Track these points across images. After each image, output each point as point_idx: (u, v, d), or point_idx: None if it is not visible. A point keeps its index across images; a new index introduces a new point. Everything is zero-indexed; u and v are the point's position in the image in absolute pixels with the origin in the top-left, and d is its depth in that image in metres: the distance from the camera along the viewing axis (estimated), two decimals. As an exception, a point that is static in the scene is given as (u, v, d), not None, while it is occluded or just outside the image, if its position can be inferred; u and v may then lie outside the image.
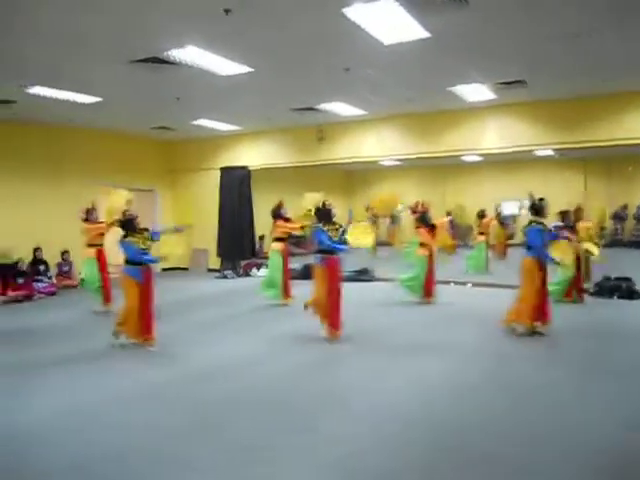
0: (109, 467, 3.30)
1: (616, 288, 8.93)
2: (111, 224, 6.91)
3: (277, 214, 8.70)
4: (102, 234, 8.17)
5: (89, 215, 8.37)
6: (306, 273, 10.57)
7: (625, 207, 18.49)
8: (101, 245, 8.32)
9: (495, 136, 10.31)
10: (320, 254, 6.39)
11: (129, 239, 6.15)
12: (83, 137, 11.77)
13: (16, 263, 9.84)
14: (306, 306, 6.56)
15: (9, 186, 10.48)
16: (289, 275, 8.87)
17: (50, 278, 10.33)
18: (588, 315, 7.68)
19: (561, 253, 6.67)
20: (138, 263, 6.11)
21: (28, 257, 10.13)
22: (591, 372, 5.07)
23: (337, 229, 6.47)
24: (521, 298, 6.44)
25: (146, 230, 6.42)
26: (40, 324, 7.63)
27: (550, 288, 7.16)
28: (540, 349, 5.96)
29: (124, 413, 4.21)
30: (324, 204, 6.55)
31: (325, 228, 6.37)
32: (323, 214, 6.52)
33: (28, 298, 9.58)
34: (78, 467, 3.29)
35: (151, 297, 6.19)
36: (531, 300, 6.31)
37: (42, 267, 10.26)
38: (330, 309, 6.28)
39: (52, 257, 10.42)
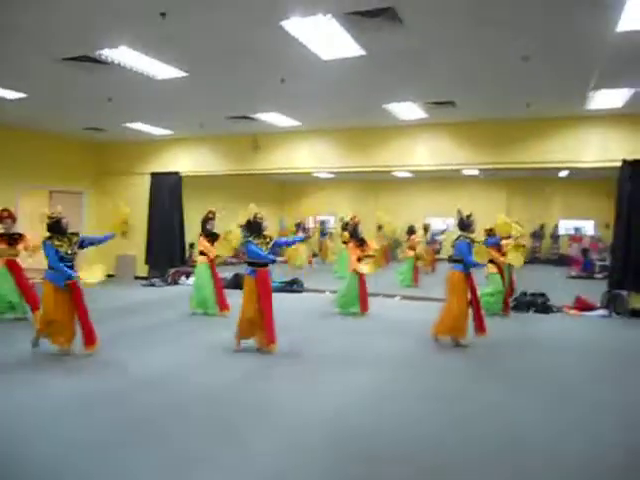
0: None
1: (532, 303, 9.43)
2: None
3: (203, 227, 8.66)
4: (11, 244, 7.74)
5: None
6: (237, 282, 10.49)
7: (542, 226, 19.68)
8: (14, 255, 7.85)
9: (425, 153, 10.67)
10: (250, 266, 6.35)
11: (52, 241, 5.89)
12: (7, 135, 11.17)
13: None
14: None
15: None
16: (221, 286, 8.75)
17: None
18: (507, 328, 8.05)
19: (480, 258, 7.05)
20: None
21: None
22: (504, 379, 5.34)
23: (267, 242, 6.46)
24: (447, 310, 6.71)
25: (75, 235, 6.15)
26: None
27: (483, 299, 7.58)
28: (462, 360, 6.19)
29: (50, 425, 4.03)
30: (255, 216, 6.51)
31: (256, 241, 6.34)
32: (254, 226, 6.48)
33: None
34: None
35: (77, 303, 5.94)
36: (457, 312, 6.59)
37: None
38: (265, 321, 6.22)
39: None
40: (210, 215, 8.68)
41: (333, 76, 7.24)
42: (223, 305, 8.54)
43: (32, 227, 6.13)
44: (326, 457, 3.56)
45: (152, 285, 12.11)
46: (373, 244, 8.99)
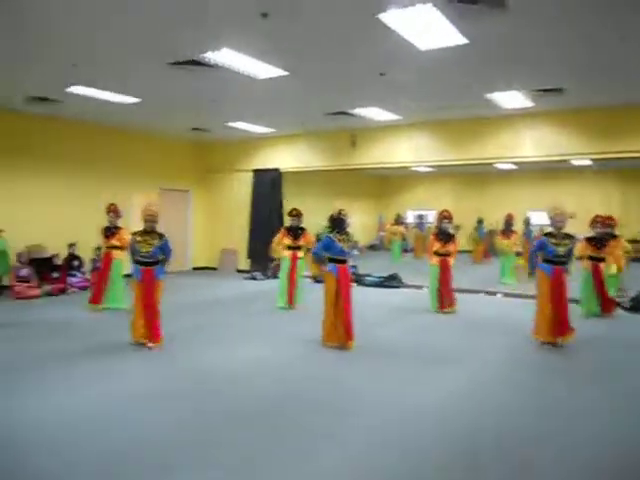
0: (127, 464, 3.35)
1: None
2: None
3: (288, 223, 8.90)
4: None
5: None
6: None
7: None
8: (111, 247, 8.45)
9: (530, 144, 10.13)
10: (331, 262, 6.32)
11: (135, 238, 6.24)
12: (120, 137, 12.04)
13: (51, 258, 10.14)
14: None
15: (47, 183, 10.79)
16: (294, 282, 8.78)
17: (84, 273, 10.56)
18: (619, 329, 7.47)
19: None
20: (139, 263, 6.23)
21: (63, 252, 10.40)
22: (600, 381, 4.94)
23: (349, 240, 6.41)
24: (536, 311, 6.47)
25: (160, 237, 6.34)
26: (68, 317, 7.80)
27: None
28: (562, 360, 5.82)
29: (133, 413, 4.20)
30: (340, 212, 6.43)
31: (337, 237, 6.31)
32: (337, 222, 6.42)
33: (62, 292, 9.84)
34: (94, 464, 3.34)
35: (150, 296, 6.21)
36: (545, 313, 6.31)
37: (76, 262, 10.50)
38: (345, 318, 6.18)
39: (87, 253, 10.65)
40: (294, 212, 8.84)
41: (433, 67, 7.06)
42: (290, 300, 8.67)
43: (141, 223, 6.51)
44: (424, 454, 3.48)
45: (253, 278, 12.50)
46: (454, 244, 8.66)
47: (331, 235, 6.33)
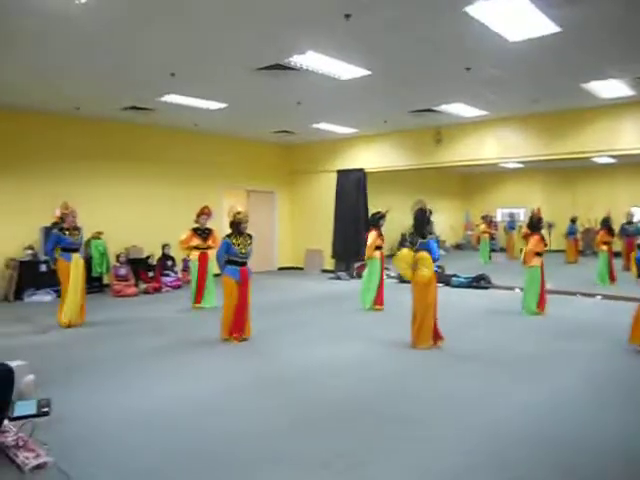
0: (220, 452, 3.46)
1: None
2: None
3: (375, 223, 8.67)
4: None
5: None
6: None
7: None
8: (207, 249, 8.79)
9: (632, 135, 9.45)
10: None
11: (230, 239, 6.50)
12: (209, 141, 12.53)
13: (147, 258, 10.72)
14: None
15: (142, 187, 11.45)
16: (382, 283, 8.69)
17: (176, 273, 11.07)
18: None
19: None
20: (236, 263, 6.48)
21: (158, 253, 10.96)
22: None
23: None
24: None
25: (249, 237, 6.63)
26: (152, 316, 8.20)
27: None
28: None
29: (233, 403, 4.37)
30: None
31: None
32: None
33: (157, 290, 10.37)
34: (194, 451, 3.48)
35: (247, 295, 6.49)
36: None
37: (169, 262, 11.02)
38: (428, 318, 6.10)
39: (179, 254, 11.14)
40: (381, 213, 8.71)
41: (522, 58, 6.76)
42: (378, 301, 8.54)
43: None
44: (514, 460, 3.33)
45: (338, 278, 12.57)
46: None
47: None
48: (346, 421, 4.02)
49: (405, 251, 6.24)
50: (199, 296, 8.71)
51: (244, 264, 6.52)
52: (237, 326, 6.42)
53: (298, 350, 6.13)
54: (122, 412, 4.18)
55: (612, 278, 11.25)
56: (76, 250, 7.40)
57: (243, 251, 6.47)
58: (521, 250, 8.76)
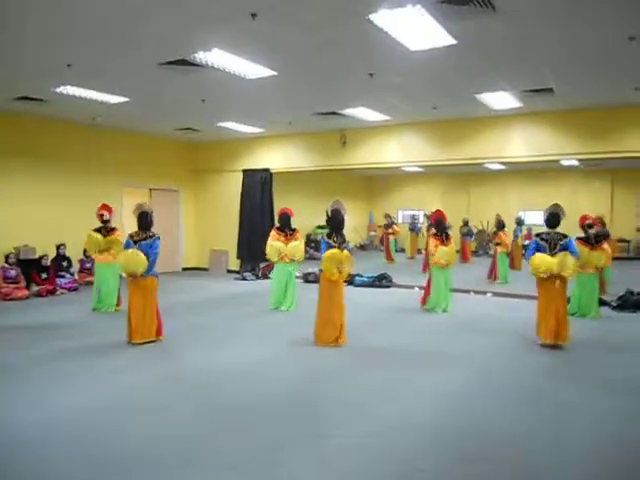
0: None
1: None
2: None
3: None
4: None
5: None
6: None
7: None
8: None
9: (520, 144, 10.20)
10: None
11: (132, 237, 6.46)
12: (109, 137, 11.94)
13: (41, 258, 10.05)
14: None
15: (36, 183, 10.69)
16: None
17: (72, 274, 10.49)
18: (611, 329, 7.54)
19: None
20: None
21: (52, 253, 10.31)
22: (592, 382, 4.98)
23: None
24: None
25: (151, 236, 6.52)
26: (52, 320, 7.75)
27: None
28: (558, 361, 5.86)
29: (137, 407, 4.24)
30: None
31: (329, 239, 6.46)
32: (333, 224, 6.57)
33: (51, 293, 9.76)
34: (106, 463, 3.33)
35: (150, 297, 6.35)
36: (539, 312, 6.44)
37: (65, 263, 10.43)
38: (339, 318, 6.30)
39: (75, 254, 10.57)
40: (285, 213, 8.90)
41: (422, 67, 7.08)
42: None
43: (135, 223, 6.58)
44: (422, 456, 3.49)
45: (244, 279, 12.48)
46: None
47: (325, 237, 6.47)
48: (255, 422, 4.03)
49: (335, 251, 6.36)
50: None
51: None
52: (143, 327, 6.26)
53: (205, 352, 6.04)
54: (16, 426, 3.91)
55: (495, 277, 12.01)
56: None
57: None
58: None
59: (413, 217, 19.67)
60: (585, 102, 9.04)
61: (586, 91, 8.39)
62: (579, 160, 13.36)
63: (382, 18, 5.32)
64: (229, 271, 13.50)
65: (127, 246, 6.38)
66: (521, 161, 10.85)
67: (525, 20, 5.47)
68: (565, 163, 14.84)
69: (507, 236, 12.38)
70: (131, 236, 6.41)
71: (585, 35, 5.89)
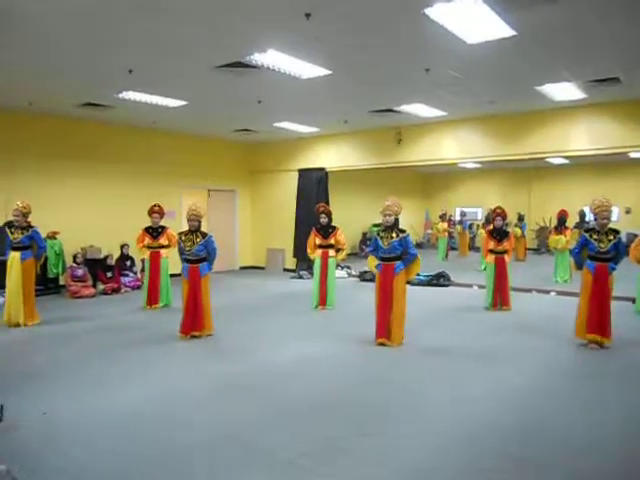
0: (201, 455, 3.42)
1: None
2: None
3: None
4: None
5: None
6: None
7: None
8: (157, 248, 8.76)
9: (584, 137, 9.77)
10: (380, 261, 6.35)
11: (181, 237, 6.69)
12: (168, 140, 12.32)
13: (105, 258, 10.47)
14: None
15: (99, 186, 11.17)
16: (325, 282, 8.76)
17: (135, 273, 10.86)
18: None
19: None
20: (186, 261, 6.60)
21: (117, 253, 10.72)
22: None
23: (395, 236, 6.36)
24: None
25: (203, 235, 6.65)
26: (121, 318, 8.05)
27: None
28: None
29: (204, 403, 4.34)
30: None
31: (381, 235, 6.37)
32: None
33: (116, 291, 10.16)
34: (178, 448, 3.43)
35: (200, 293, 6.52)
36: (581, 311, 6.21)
37: (128, 262, 10.81)
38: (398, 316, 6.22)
39: (138, 254, 10.92)
40: (321, 209, 8.88)
41: (479, 60, 6.90)
42: (322, 301, 8.67)
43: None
44: (485, 455, 3.41)
45: (300, 277, 12.56)
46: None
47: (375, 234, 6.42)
48: (316, 418, 4.06)
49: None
50: (151, 296, 8.63)
51: (193, 262, 6.54)
52: (186, 323, 6.48)
53: (264, 350, 6.12)
54: (82, 416, 4.08)
55: (570, 274, 11.55)
56: (18, 249, 7.24)
57: (188, 249, 6.52)
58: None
59: (462, 214, 19.22)
60: (655, 91, 8.58)
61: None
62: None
63: (438, 12, 5.22)
64: (285, 270, 13.64)
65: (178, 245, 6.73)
66: (585, 154, 10.40)
67: (588, 7, 5.23)
68: (633, 155, 14.12)
69: (571, 233, 11.88)
70: (179, 234, 6.77)
71: (655, 20, 5.58)
